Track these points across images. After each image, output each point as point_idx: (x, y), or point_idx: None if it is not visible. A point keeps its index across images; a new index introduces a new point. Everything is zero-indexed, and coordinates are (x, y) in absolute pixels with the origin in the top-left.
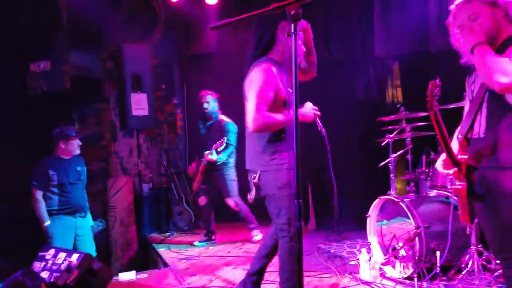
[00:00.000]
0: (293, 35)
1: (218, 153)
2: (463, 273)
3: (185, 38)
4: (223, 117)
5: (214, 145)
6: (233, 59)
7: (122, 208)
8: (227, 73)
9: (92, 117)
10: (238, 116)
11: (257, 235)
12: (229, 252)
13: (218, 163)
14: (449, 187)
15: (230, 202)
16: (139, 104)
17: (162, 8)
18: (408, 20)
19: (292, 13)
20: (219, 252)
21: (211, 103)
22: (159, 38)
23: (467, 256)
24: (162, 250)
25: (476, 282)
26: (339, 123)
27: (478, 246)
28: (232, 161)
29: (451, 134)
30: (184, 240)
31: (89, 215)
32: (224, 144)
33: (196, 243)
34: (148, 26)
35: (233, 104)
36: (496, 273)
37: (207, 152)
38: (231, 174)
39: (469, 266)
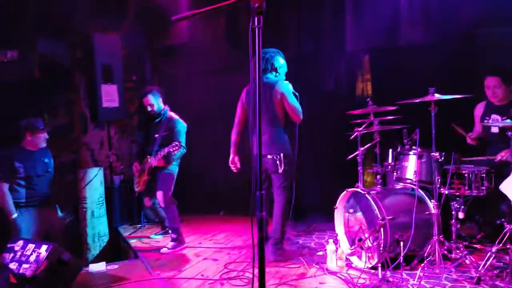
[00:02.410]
0: (257, 28)
1: (168, 157)
2: (425, 262)
3: (156, 29)
4: (172, 114)
5: (165, 149)
6: (205, 50)
7: (93, 200)
8: (199, 64)
9: (62, 107)
10: (209, 104)
11: (171, 249)
12: (200, 243)
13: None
14: (413, 179)
15: (159, 195)
16: (110, 96)
17: None
18: (379, 14)
19: (256, 6)
20: (189, 243)
21: (154, 102)
22: (130, 28)
23: (429, 246)
24: (133, 241)
25: (437, 271)
26: (309, 116)
27: (440, 236)
28: (178, 160)
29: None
30: (156, 231)
31: (56, 207)
32: (182, 149)
33: (152, 235)
34: (118, 15)
35: (204, 94)
36: (456, 263)
37: (151, 157)
38: (173, 170)
39: (431, 256)
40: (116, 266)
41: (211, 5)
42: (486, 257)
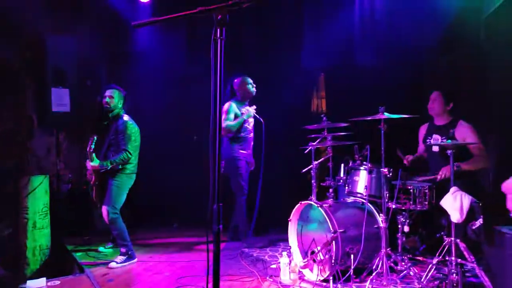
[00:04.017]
0: (219, 40)
1: (105, 157)
2: (373, 274)
3: (115, 35)
4: (126, 117)
5: (90, 150)
6: (163, 59)
7: (36, 210)
8: (157, 72)
9: (6, 110)
10: (164, 114)
11: (120, 263)
12: (151, 257)
13: (109, 169)
14: (364, 193)
15: (104, 210)
16: (61, 100)
17: (91, 2)
18: (334, 36)
19: (218, 18)
20: (140, 257)
21: (115, 99)
22: (87, 32)
23: (377, 259)
24: (78, 255)
25: (384, 283)
26: (268, 130)
27: (387, 249)
28: (130, 167)
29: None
30: (106, 244)
31: None
32: (124, 153)
33: (101, 248)
34: (74, 18)
35: (160, 103)
36: (401, 274)
37: (88, 160)
38: (122, 182)
39: (379, 268)
40: (57, 282)
41: (172, 14)
42: (428, 269)
